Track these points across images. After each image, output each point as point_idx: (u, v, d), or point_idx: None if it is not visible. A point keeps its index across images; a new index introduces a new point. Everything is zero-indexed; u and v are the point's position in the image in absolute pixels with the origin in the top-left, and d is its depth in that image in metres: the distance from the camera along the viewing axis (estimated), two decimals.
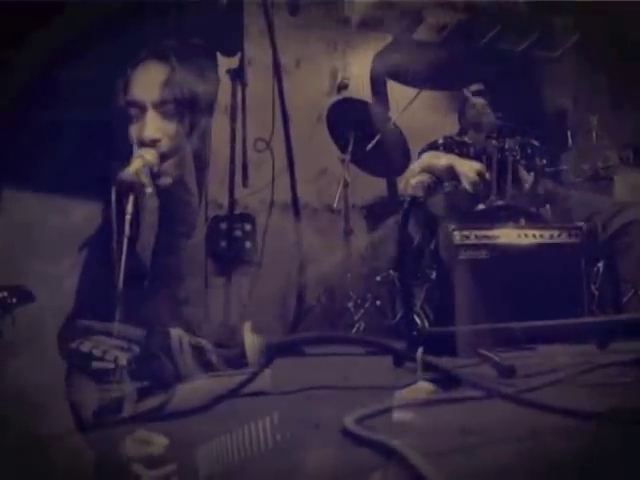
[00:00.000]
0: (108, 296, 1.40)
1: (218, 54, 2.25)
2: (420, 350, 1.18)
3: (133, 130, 1.74)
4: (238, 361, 1.46)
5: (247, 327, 1.51)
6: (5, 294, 1.53)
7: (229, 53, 2.38)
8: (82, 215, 1.69)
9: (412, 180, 2.29)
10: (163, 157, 1.73)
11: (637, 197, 3.26)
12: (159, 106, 1.74)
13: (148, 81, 1.75)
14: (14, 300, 1.52)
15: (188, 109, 1.79)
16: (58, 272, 1.67)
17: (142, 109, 1.73)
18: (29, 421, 1.31)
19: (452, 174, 2.75)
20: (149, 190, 1.67)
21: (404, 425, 0.79)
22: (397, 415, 0.81)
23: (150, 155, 1.63)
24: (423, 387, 0.83)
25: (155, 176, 1.67)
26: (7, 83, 1.68)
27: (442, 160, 2.84)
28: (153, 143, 1.72)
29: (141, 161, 1.59)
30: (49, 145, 1.75)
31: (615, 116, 4.32)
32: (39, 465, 1.21)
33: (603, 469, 0.75)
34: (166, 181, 1.74)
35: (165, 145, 1.74)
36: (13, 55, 1.66)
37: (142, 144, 1.71)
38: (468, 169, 2.78)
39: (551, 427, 0.91)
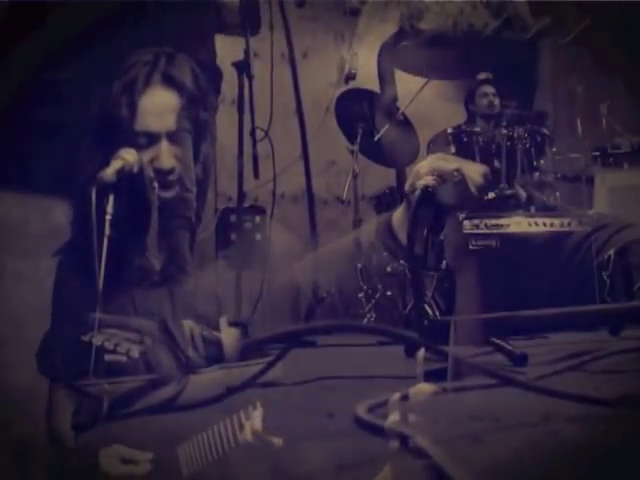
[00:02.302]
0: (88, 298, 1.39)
1: (217, 48, 2.23)
2: (422, 351, 1.18)
3: (143, 155, 1.68)
4: (217, 355, 1.46)
5: (223, 321, 1.51)
6: None
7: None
8: (64, 216, 1.68)
9: (419, 182, 2.31)
10: (170, 173, 1.71)
11: None
12: (173, 135, 1.70)
13: (161, 111, 1.70)
14: None
15: (199, 131, 1.77)
16: (37, 273, 1.67)
17: (155, 138, 1.69)
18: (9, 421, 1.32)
19: (459, 177, 2.77)
20: (156, 185, 1.67)
21: (418, 423, 0.79)
22: (411, 418, 0.81)
23: (130, 155, 1.60)
24: (424, 388, 0.84)
25: (137, 177, 1.64)
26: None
27: (450, 164, 2.85)
28: (169, 172, 1.70)
29: (121, 162, 1.57)
30: (34, 145, 1.75)
31: (626, 103, 4.29)
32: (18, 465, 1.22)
33: (616, 456, 0.75)
34: (168, 194, 1.72)
35: (178, 170, 1.72)
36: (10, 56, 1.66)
37: (158, 173, 1.69)
38: (475, 173, 2.79)
39: (564, 414, 0.91)
